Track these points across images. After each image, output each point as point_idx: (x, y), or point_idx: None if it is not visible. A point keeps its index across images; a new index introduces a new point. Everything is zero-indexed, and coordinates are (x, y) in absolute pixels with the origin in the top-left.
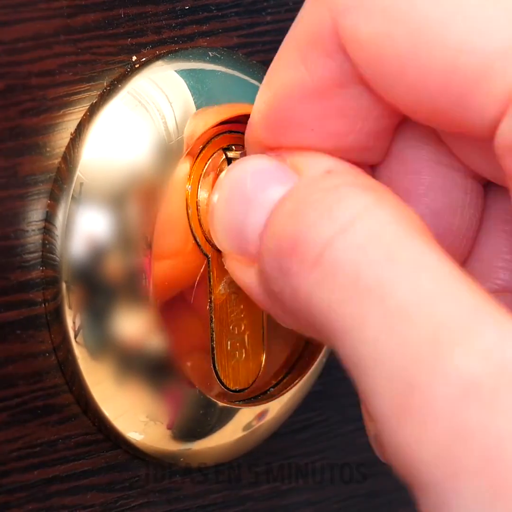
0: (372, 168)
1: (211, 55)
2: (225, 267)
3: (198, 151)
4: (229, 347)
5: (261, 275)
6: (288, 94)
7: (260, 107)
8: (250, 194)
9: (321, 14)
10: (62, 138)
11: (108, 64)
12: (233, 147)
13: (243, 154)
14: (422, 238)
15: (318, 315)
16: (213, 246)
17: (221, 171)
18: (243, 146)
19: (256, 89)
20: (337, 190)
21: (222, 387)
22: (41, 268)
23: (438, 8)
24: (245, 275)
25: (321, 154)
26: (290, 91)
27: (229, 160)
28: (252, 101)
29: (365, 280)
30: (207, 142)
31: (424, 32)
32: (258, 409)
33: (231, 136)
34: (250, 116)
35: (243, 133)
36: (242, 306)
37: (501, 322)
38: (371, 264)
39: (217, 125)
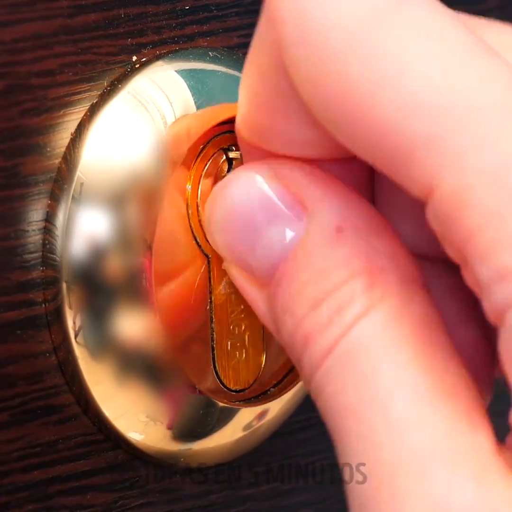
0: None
1: (211, 55)
2: (223, 267)
3: (198, 151)
4: (229, 347)
5: (271, 311)
6: (263, 101)
7: (241, 110)
8: (258, 226)
9: (271, 38)
10: (62, 138)
11: (109, 64)
12: (233, 147)
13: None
14: (408, 348)
15: (318, 401)
16: None
17: (221, 171)
18: None
19: None
20: (346, 285)
21: (222, 387)
22: (41, 268)
23: (378, 63)
24: (251, 290)
25: (325, 184)
26: (264, 98)
27: (230, 161)
28: None
29: (348, 396)
30: (207, 142)
31: (355, 97)
32: (258, 409)
33: (231, 136)
34: (236, 117)
35: None
36: (242, 306)
37: (454, 464)
38: (356, 382)
39: (217, 125)
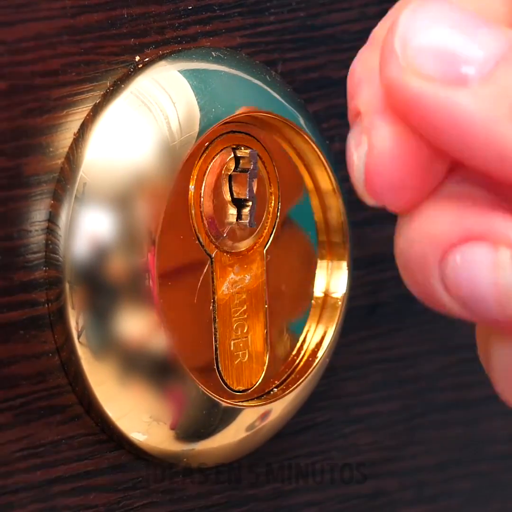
0: None
1: (214, 55)
2: (402, 92)
3: (201, 151)
4: (232, 348)
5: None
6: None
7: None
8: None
9: None
10: (65, 138)
11: (111, 64)
12: (242, 147)
13: (253, 152)
14: None
15: None
16: (217, 246)
17: (228, 169)
18: (248, 146)
19: (259, 89)
20: None
21: (225, 387)
22: (44, 268)
23: None
24: (456, 97)
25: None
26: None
27: (237, 159)
28: (254, 101)
29: None
30: (210, 142)
31: None
32: (261, 409)
33: (234, 136)
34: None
35: (246, 133)
36: (245, 307)
37: None
38: None
39: (220, 125)
